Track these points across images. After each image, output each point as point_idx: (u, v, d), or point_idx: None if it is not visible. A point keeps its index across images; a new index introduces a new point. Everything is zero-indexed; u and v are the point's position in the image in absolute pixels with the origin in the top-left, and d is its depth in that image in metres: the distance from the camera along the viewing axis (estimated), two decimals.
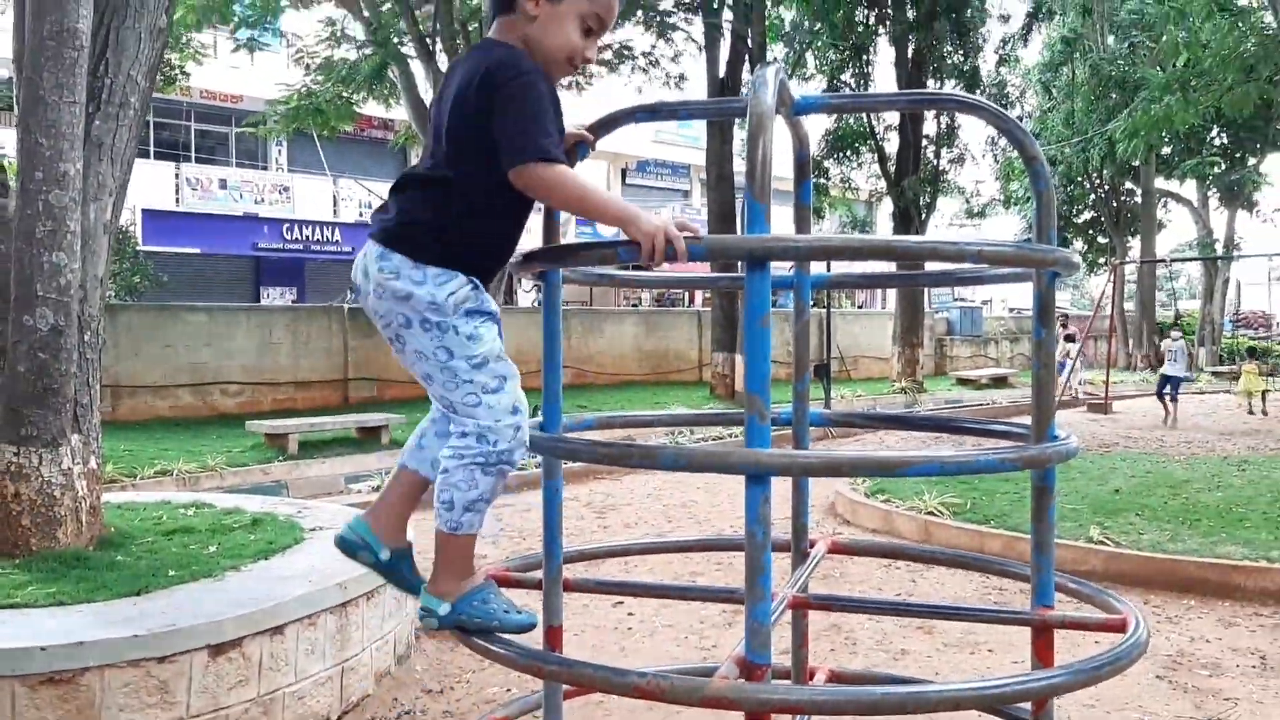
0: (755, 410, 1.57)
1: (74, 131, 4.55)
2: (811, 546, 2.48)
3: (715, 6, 17.03)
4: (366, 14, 14.24)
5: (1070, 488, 8.03)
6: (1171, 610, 5.48)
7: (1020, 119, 27.71)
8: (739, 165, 18.23)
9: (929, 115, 21.31)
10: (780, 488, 1.62)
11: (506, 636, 1.94)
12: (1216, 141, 28.59)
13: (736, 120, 19.90)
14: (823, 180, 21.96)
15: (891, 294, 32.15)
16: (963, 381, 23.02)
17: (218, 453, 10.72)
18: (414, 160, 28.23)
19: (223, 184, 23.48)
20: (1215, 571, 5.85)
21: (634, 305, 34.77)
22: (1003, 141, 27.32)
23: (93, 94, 4.82)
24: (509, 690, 4.26)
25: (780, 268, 1.64)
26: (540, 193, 1.90)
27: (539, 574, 2.19)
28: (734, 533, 7.63)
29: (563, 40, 2.01)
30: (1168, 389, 15.51)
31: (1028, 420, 1.96)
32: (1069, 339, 18.80)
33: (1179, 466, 9.57)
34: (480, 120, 1.92)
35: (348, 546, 2.15)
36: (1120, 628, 1.93)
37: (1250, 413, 16.26)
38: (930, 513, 7.36)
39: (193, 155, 25.02)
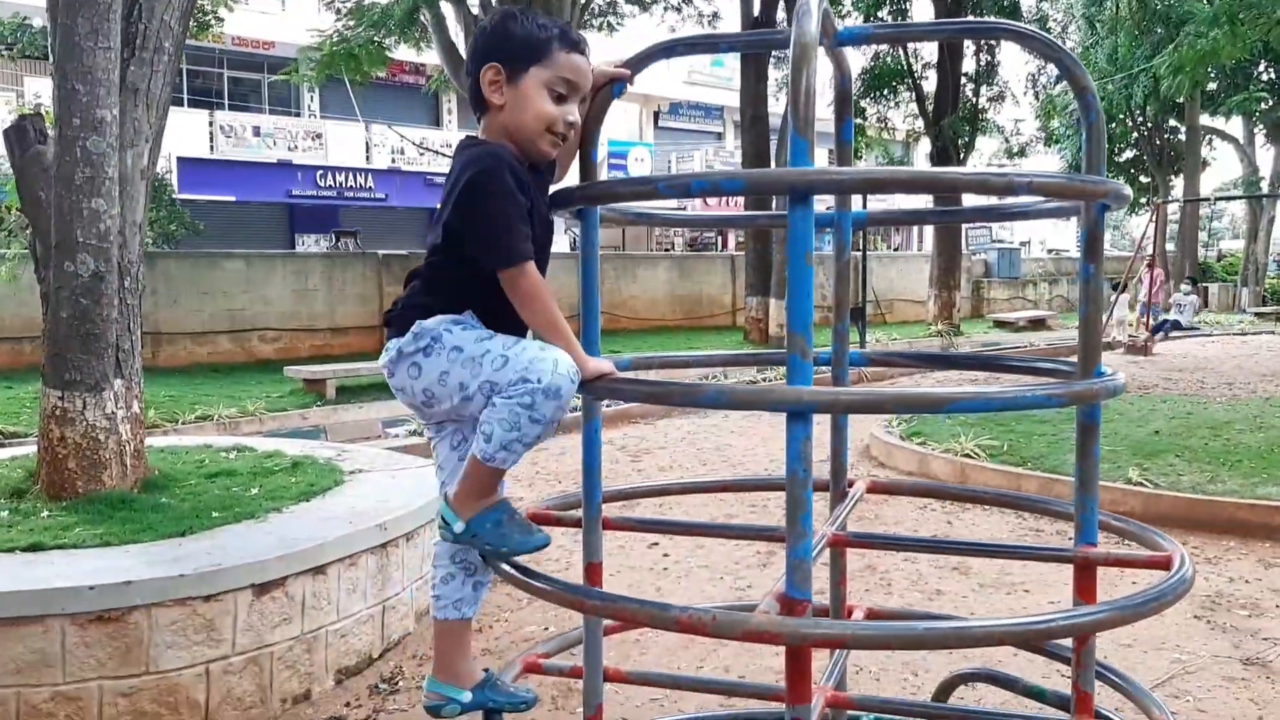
0: (798, 348, 1.55)
1: (109, 77, 4.55)
2: (849, 487, 2.47)
3: None
4: None
5: (1109, 429, 7.96)
6: (1210, 551, 5.45)
7: None
8: (773, 106, 17.99)
9: (968, 53, 20.88)
10: (817, 429, 1.60)
11: (553, 575, 1.95)
12: (1264, 77, 27.82)
13: (771, 61, 19.59)
14: (859, 120, 21.64)
15: (928, 236, 31.81)
16: (1000, 324, 22.80)
17: (257, 398, 10.85)
18: (446, 107, 28.15)
19: (256, 131, 23.51)
20: (1255, 513, 5.80)
21: (667, 250, 34.63)
22: (1043, 79, 26.79)
23: (127, 39, 4.81)
24: (547, 628, 4.32)
25: (819, 205, 1.61)
26: (517, 299, 1.96)
27: (578, 513, 2.20)
28: (770, 475, 7.64)
29: (533, 115, 2.03)
30: (1165, 328, 16.73)
31: (1068, 360, 1.93)
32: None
33: (1220, 408, 9.45)
34: (457, 220, 1.98)
35: (434, 709, 2.21)
36: (1165, 565, 1.91)
37: None
38: (966, 455, 7.33)
39: (226, 103, 25.05)
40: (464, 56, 14.20)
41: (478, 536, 2.04)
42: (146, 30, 4.93)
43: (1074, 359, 1.99)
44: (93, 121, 4.49)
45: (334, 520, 4.17)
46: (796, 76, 1.59)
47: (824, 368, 2.44)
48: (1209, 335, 21.16)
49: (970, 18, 16.47)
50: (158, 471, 4.93)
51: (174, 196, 19.29)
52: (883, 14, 21.21)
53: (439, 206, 2.08)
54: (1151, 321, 18.24)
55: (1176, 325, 16.51)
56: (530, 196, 2.00)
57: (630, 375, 2.18)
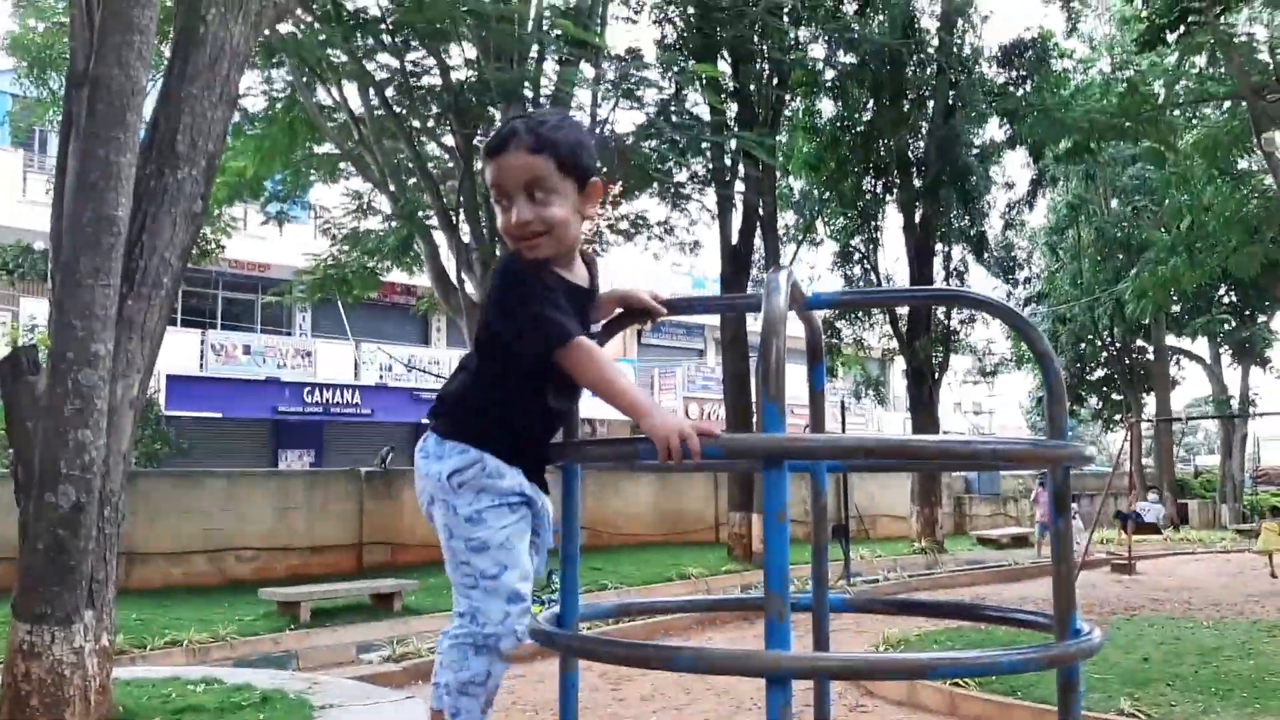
0: (775, 610, 1.58)
1: (107, 313, 4.70)
2: None
3: (728, 179, 17.62)
4: (393, 189, 14.78)
5: (1098, 656, 7.81)
6: None
7: (1028, 279, 28.21)
8: (752, 325, 18.50)
9: (939, 277, 21.70)
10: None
11: None
12: (1225, 299, 28.92)
13: (750, 284, 20.28)
14: (835, 340, 22.24)
15: None
16: (983, 541, 22.67)
17: (230, 621, 10.57)
18: (435, 326, 28.83)
19: (246, 349, 23.92)
20: None
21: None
22: (1013, 304, 27.72)
23: (126, 274, 5.00)
24: None
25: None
26: (569, 372, 1.93)
27: None
28: (753, 703, 7.40)
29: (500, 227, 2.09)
30: (1132, 517, 18.04)
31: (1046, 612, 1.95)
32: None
33: (1208, 632, 9.32)
34: (496, 320, 2.02)
35: None
36: None
37: (1274, 575, 15.84)
38: (956, 683, 7.15)
39: (219, 322, 25.59)
40: (454, 283, 14.70)
41: None
42: (146, 267, 5.14)
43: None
44: (87, 356, 4.61)
45: None
46: (766, 349, 1.68)
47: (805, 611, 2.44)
48: (1192, 553, 21.09)
49: (932, 287, 17.34)
50: (122, 708, 4.77)
51: (160, 414, 19.40)
52: (855, 241, 22.22)
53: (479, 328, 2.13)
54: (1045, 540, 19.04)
55: (1139, 518, 18.39)
56: (570, 300, 2.01)
57: (599, 634, 2.18)
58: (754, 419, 13.06)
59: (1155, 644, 8.49)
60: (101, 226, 4.71)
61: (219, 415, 23.13)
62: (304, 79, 13.98)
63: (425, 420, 2.17)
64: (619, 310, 2.25)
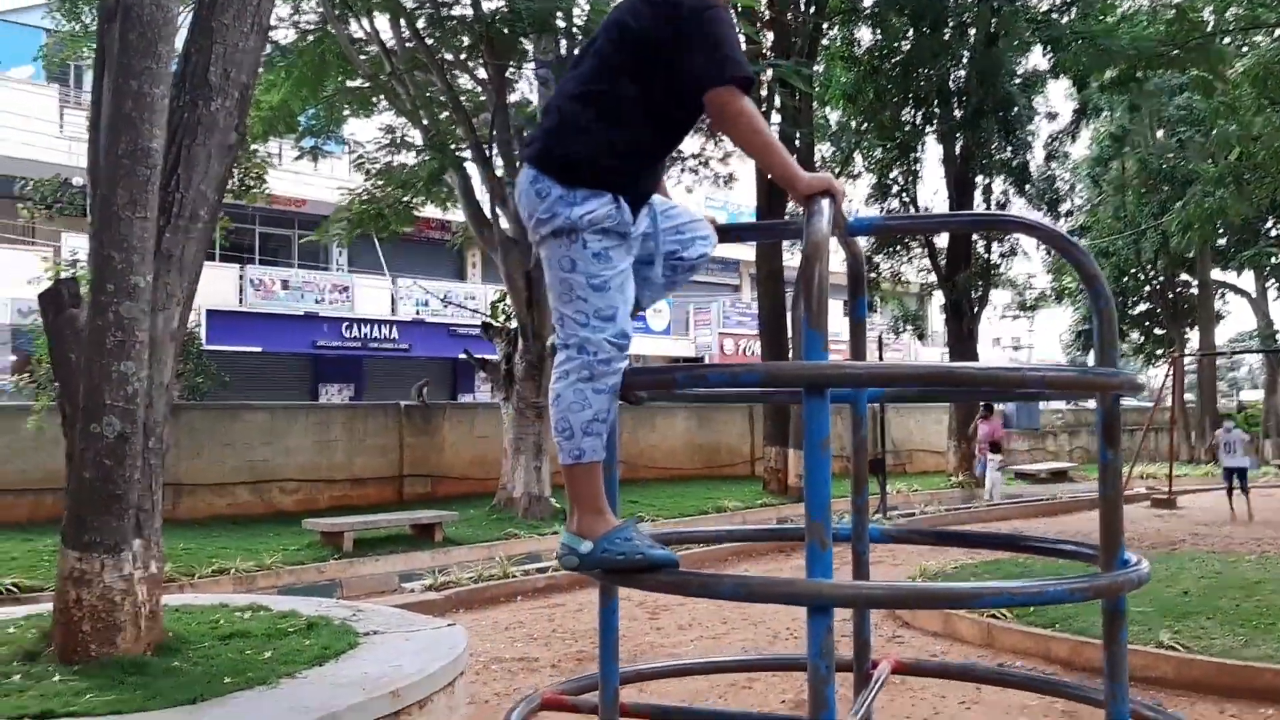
0: (816, 537, 1.56)
1: (145, 245, 4.71)
2: (874, 668, 2.42)
3: (764, 109, 17.33)
4: (425, 122, 14.68)
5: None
6: (1248, 718, 5.25)
7: (1070, 212, 27.67)
8: (788, 260, 18.34)
9: (979, 209, 21.32)
10: None
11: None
12: (1273, 231, 28.26)
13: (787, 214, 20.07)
14: (873, 275, 22.00)
15: None
16: (1022, 475, 22.57)
17: (274, 551, 10.79)
18: (470, 262, 28.81)
19: (285, 284, 24.07)
20: None
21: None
22: None
23: (164, 208, 5.00)
24: None
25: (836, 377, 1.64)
26: (728, 118, 1.98)
27: (594, 698, 2.16)
28: (790, 634, 7.47)
29: None
30: (1236, 481, 14.89)
31: (1094, 519, 1.91)
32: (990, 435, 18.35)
33: (1250, 566, 9.25)
34: (656, 38, 2.02)
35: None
36: None
37: None
38: (993, 615, 7.16)
39: (257, 257, 25.74)
40: (488, 218, 14.63)
41: (608, 552, 1.97)
42: (183, 199, 5.13)
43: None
44: (127, 288, 4.62)
45: (347, 686, 4.09)
46: (808, 274, 1.64)
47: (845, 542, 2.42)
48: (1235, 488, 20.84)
49: (977, 212, 16.98)
50: (171, 634, 4.88)
51: (201, 348, 19.62)
52: (894, 174, 21.85)
53: (602, 45, 2.11)
54: (980, 470, 18.35)
55: (1243, 474, 14.82)
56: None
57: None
58: (790, 356, 12.99)
59: (1196, 578, 8.44)
60: (137, 158, 4.70)
61: (259, 350, 23.37)
62: (335, 10, 13.84)
63: (529, 156, 2.12)
64: None
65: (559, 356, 2.06)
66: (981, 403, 17.87)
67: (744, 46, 13.28)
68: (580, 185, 2.04)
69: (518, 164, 14.19)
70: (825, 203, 1.73)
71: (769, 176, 14.51)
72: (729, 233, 2.29)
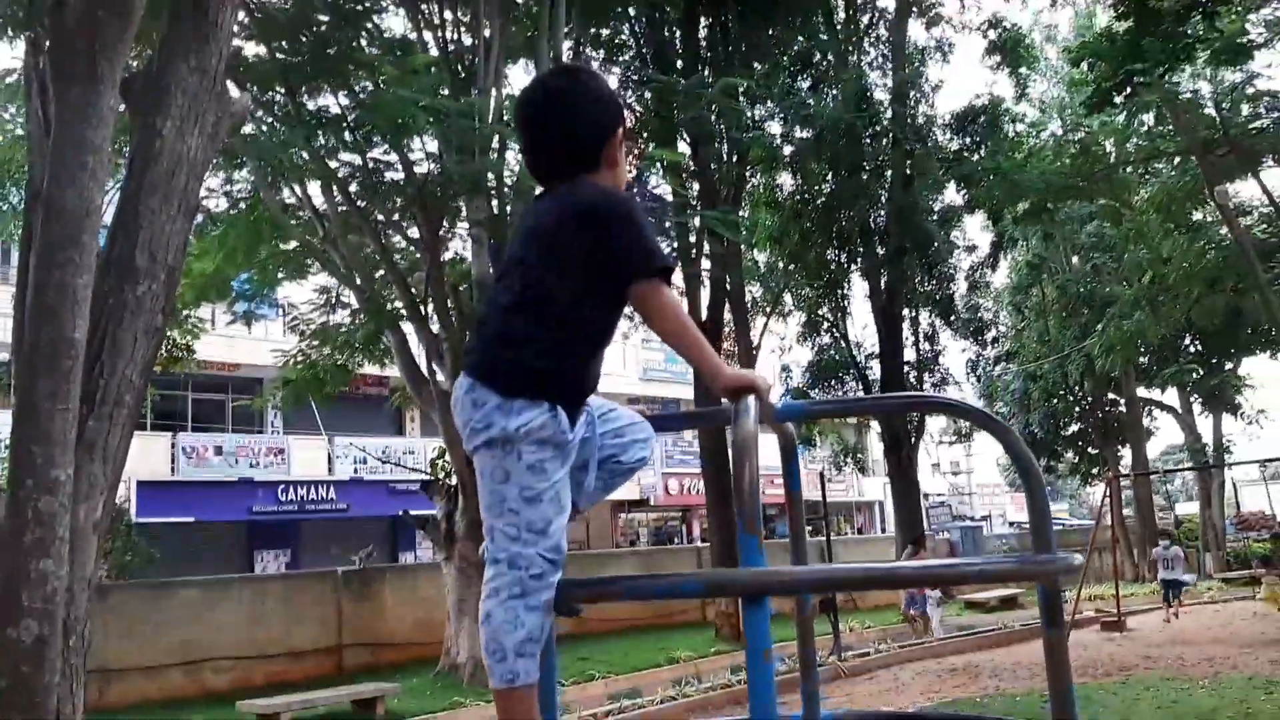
0: None
1: (66, 438, 4.59)
2: None
3: (694, 256, 17.75)
4: (360, 283, 14.75)
5: None
6: None
7: (996, 339, 28.45)
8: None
9: (908, 343, 21.84)
10: None
11: None
12: (1192, 349, 29.24)
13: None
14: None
15: (889, 517, 31.92)
16: (971, 604, 22.45)
17: None
18: (408, 416, 28.61)
19: (218, 450, 23.64)
20: None
21: (632, 542, 34.36)
22: (982, 364, 27.93)
23: (86, 396, 4.89)
24: None
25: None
26: (652, 310, 2.00)
27: None
28: None
29: (622, 176, 2.20)
30: (1171, 594, 16.53)
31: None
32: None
33: (1205, 693, 9.21)
34: (578, 242, 2.02)
35: None
36: None
37: None
38: None
39: (189, 424, 25.28)
40: (425, 374, 14.60)
41: None
42: (107, 386, 5.03)
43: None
44: (46, 483, 4.48)
45: None
46: (739, 473, 1.63)
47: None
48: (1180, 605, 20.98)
49: (903, 394, 17.34)
50: None
51: (131, 523, 19.02)
52: (823, 310, 22.38)
53: (523, 255, 2.10)
54: (918, 608, 16.94)
55: (1179, 587, 16.61)
56: None
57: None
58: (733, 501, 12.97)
59: (1153, 708, 8.38)
60: (59, 349, 4.62)
61: (192, 520, 22.75)
62: (267, 179, 14.01)
63: (467, 367, 2.10)
64: None
65: (488, 572, 2.01)
66: (913, 539, 17.95)
67: (672, 198, 13.65)
68: (517, 396, 2.02)
69: (453, 323, 14.28)
70: (750, 400, 1.74)
71: (701, 321, 14.62)
72: (663, 423, 2.28)
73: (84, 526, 4.84)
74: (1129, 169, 20.36)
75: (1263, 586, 16.91)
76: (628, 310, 2.09)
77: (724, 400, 1.90)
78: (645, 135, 17.27)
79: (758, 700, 1.52)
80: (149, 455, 21.05)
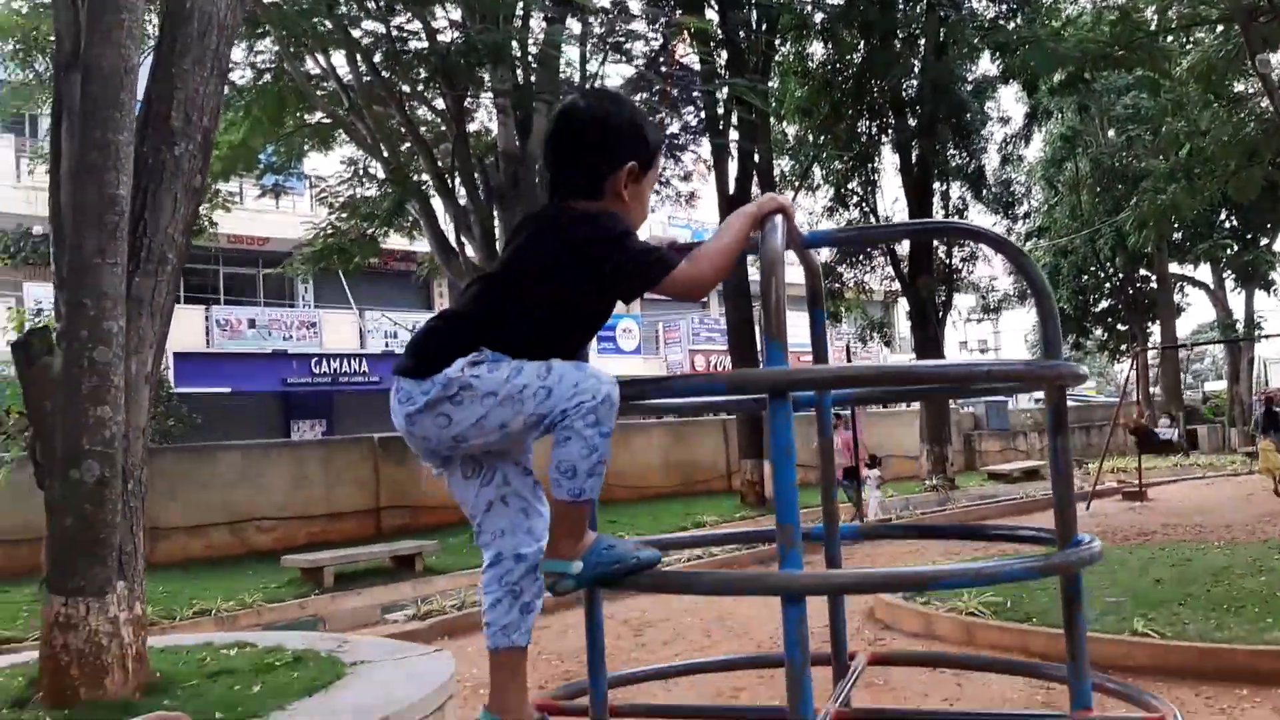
0: (786, 539, 1.65)
1: (116, 291, 4.76)
2: (851, 659, 2.52)
3: (721, 128, 17.55)
4: (386, 154, 14.75)
5: (1111, 580, 7.95)
6: (1224, 700, 5.39)
7: (1028, 214, 28.09)
8: (754, 274, 18.49)
9: (938, 216, 21.60)
10: (817, 601, 1.69)
11: None
12: (1227, 224, 28.82)
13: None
14: (838, 285, 22.24)
15: None
16: (994, 476, 22.82)
17: (254, 590, 10.75)
18: (437, 292, 28.81)
19: (251, 323, 24.00)
20: (1266, 659, 5.75)
21: (659, 415, 34.84)
22: (1014, 240, 27.63)
23: (132, 253, 5.04)
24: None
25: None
26: (682, 292, 1.99)
27: (584, 702, 2.24)
28: (773, 643, 7.55)
29: (642, 215, 2.16)
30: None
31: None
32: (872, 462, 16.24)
33: (1219, 553, 9.44)
34: (567, 268, 2.01)
35: None
36: None
37: (1277, 493, 15.98)
38: (971, 613, 7.29)
39: (221, 297, 25.63)
40: (454, 246, 14.71)
41: (600, 565, 1.99)
42: (151, 244, 5.18)
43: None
44: (100, 334, 4.67)
45: (338, 715, 4.14)
46: (766, 287, 1.74)
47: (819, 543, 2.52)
48: (1202, 478, 21.25)
49: (928, 220, 17.11)
50: (159, 674, 4.90)
51: (172, 391, 19.52)
52: (853, 184, 22.13)
53: (515, 271, 2.08)
54: (857, 499, 14.98)
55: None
56: None
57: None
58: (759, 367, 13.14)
59: (1168, 566, 8.61)
60: (105, 206, 4.75)
61: (229, 390, 23.26)
62: (290, 49, 13.90)
63: (399, 369, 2.09)
64: None
65: (560, 423, 2.00)
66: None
67: (699, 66, 13.36)
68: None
69: (480, 196, 14.30)
70: (779, 219, 1.84)
71: (729, 194, 14.55)
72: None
73: (136, 378, 5.05)
74: (1170, 37, 19.77)
75: (1260, 454, 17.02)
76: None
77: (754, 234, 1.92)
78: (673, 1, 16.87)
79: (782, 492, 1.66)
80: (183, 327, 21.40)
